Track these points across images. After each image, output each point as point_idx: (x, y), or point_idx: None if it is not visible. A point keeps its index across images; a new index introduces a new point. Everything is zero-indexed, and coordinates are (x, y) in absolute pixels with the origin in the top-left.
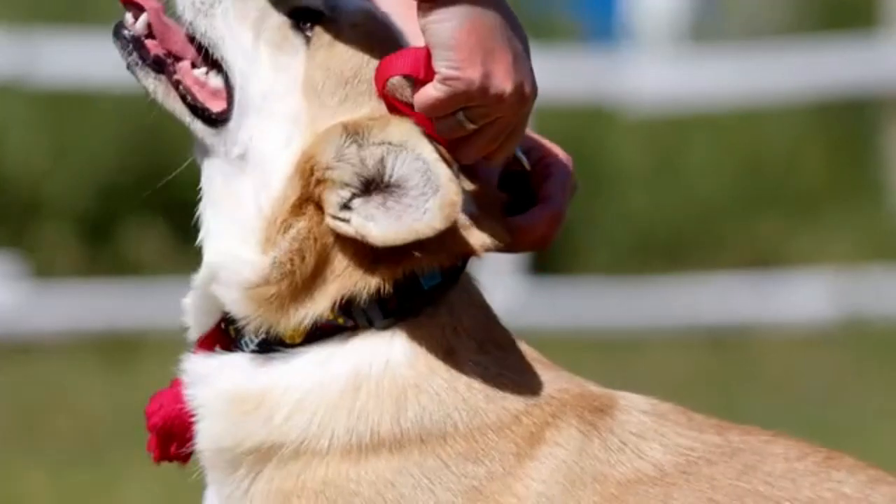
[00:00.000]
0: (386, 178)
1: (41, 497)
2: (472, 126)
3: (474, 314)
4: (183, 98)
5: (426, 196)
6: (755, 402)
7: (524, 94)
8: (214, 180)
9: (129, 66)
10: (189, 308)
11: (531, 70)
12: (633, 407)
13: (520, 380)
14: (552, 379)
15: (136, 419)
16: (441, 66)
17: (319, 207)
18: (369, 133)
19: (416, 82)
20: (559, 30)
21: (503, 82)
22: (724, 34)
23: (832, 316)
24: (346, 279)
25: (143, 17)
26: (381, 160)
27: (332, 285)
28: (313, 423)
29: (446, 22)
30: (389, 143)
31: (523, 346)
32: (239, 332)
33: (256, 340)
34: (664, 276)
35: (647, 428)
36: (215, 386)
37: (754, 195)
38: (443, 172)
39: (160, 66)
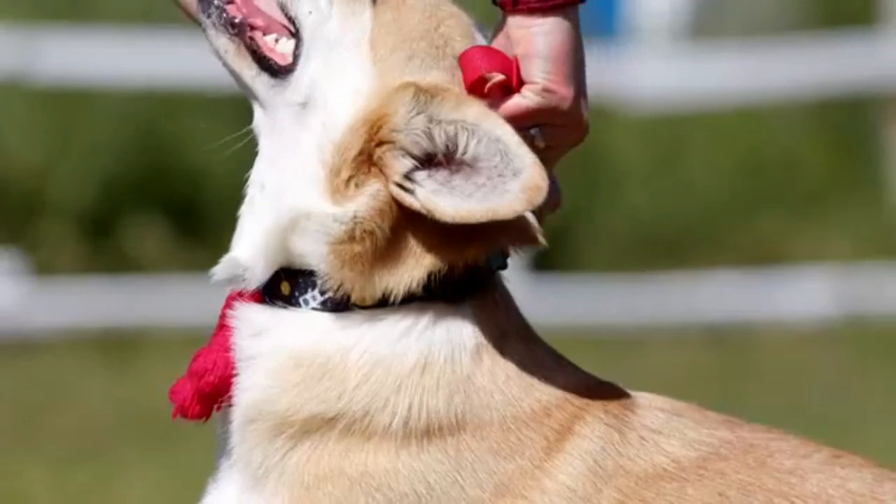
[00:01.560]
0: (458, 156)
1: (42, 494)
2: (541, 144)
3: (512, 304)
4: (252, 53)
5: (504, 178)
6: (756, 399)
7: (588, 125)
8: (274, 137)
9: (203, 25)
10: (246, 256)
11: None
12: (652, 404)
13: (550, 373)
14: (577, 374)
15: (137, 416)
16: (538, 76)
17: (381, 171)
18: (441, 106)
19: (501, 85)
20: None
21: (586, 109)
22: (725, 32)
23: (833, 313)
24: (440, 252)
25: None
26: (454, 137)
27: (426, 257)
28: (379, 397)
29: (551, 34)
30: (463, 122)
31: (547, 344)
32: (298, 288)
33: (321, 298)
34: (665, 274)
35: (665, 424)
36: (278, 340)
37: (755, 192)
38: (527, 155)
39: (237, 27)
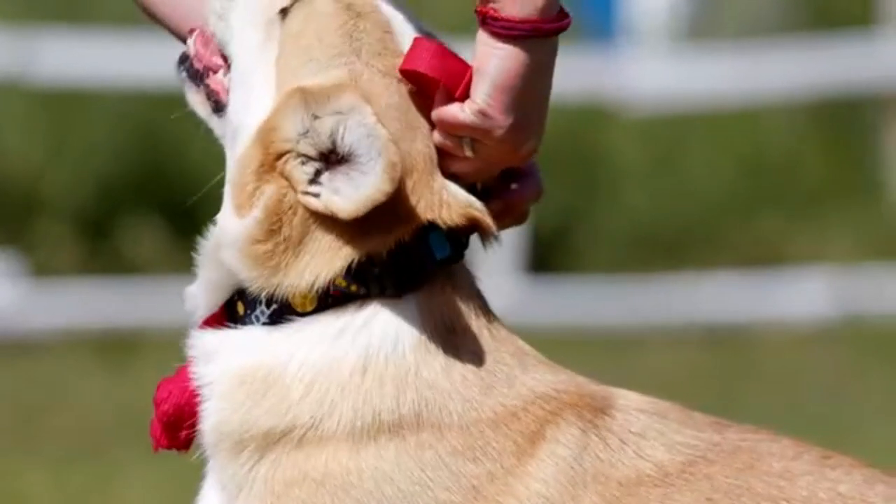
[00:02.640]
0: (340, 149)
1: (41, 495)
2: (470, 154)
3: (474, 298)
4: (208, 95)
5: (374, 161)
6: (754, 400)
7: (529, 154)
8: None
9: (182, 85)
10: (198, 287)
11: (544, 129)
12: (633, 406)
13: (518, 374)
14: (551, 376)
15: (135, 417)
16: (480, 98)
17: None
18: (326, 102)
19: (442, 88)
20: None
21: (522, 141)
22: (723, 32)
23: (831, 314)
24: (358, 242)
25: (191, 39)
26: (334, 130)
27: (343, 248)
28: (324, 405)
29: (505, 60)
30: (339, 112)
31: (519, 343)
32: (249, 306)
33: (268, 312)
34: (663, 275)
35: (647, 427)
36: (224, 362)
37: (753, 193)
38: (382, 134)
39: (199, 76)
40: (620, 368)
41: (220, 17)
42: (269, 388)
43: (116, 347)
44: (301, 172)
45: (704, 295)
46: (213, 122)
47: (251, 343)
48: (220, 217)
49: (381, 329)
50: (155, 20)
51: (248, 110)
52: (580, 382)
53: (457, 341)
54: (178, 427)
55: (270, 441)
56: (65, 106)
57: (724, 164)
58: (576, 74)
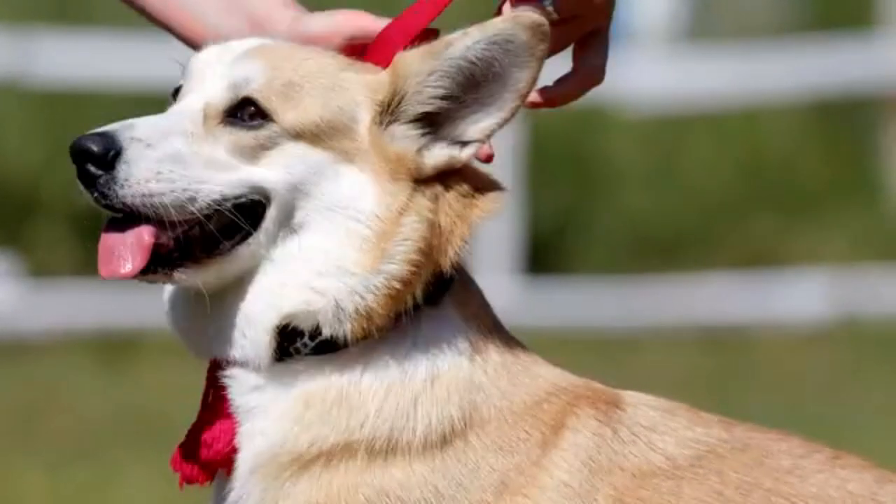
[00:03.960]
0: (478, 65)
1: (38, 496)
2: (554, 17)
3: (480, 298)
4: (204, 256)
5: (515, 57)
6: (752, 401)
7: (610, 11)
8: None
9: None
10: (233, 332)
11: None
12: (642, 402)
13: (534, 368)
14: (559, 373)
15: (132, 417)
16: None
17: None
18: (437, 46)
19: None
20: None
21: None
22: (722, 34)
23: (829, 315)
24: (439, 260)
25: (131, 262)
26: (466, 47)
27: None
28: (400, 417)
29: None
30: (450, 44)
31: (519, 341)
32: (286, 339)
33: (311, 344)
34: (661, 276)
35: (657, 422)
36: (283, 388)
37: (751, 194)
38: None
39: (176, 262)
40: (617, 370)
41: (261, 148)
42: (342, 405)
43: (114, 348)
44: (421, 157)
45: (702, 296)
46: (234, 252)
47: (313, 370)
48: (330, 280)
49: (439, 340)
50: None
51: (337, 180)
52: (586, 380)
53: (488, 341)
54: (223, 466)
55: (328, 458)
56: (63, 107)
57: (723, 165)
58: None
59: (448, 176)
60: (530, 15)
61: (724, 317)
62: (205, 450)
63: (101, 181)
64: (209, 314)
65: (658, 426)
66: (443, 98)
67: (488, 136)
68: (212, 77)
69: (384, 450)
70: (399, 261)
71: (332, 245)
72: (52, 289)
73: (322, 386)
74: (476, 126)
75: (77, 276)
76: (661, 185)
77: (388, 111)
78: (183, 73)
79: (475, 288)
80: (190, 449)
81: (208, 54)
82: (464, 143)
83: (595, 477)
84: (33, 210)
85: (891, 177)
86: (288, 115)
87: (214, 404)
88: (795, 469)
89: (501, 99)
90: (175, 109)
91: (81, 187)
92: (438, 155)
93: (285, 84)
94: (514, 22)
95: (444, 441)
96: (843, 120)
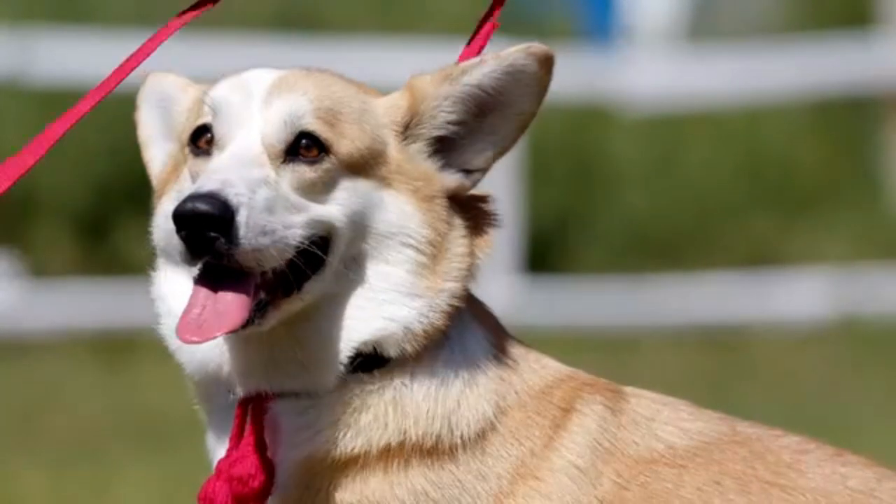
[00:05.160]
0: (490, 89)
1: (38, 496)
2: None
3: (485, 305)
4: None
5: (517, 64)
6: (752, 400)
7: None
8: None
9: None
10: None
11: None
12: (643, 395)
13: (539, 358)
14: (560, 365)
15: (131, 418)
16: None
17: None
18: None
19: None
20: (557, 28)
21: None
22: (722, 33)
23: (829, 315)
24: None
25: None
26: (480, 74)
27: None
28: (445, 419)
29: None
30: (465, 71)
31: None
32: (356, 363)
33: (352, 365)
34: (660, 275)
35: (658, 412)
36: (339, 398)
37: (751, 194)
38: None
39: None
40: (617, 369)
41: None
42: (395, 410)
43: (113, 348)
44: (448, 176)
45: (701, 296)
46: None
47: (366, 379)
48: (394, 311)
49: (469, 344)
50: None
51: (384, 207)
52: (586, 374)
53: (502, 340)
54: (256, 501)
55: (387, 458)
56: (62, 107)
57: (722, 164)
58: (575, 75)
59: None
60: (541, 46)
61: (724, 316)
62: (239, 486)
63: (221, 243)
64: (266, 353)
65: (659, 417)
66: (455, 123)
67: (490, 166)
68: (254, 114)
69: (432, 449)
70: (456, 278)
71: (393, 271)
72: (52, 289)
73: (375, 392)
74: (481, 156)
75: (76, 276)
76: (661, 184)
77: (406, 133)
78: (209, 112)
79: (474, 293)
80: (221, 484)
81: (232, 90)
82: (468, 171)
83: (600, 459)
84: (33, 210)
85: (890, 176)
86: (342, 145)
87: (249, 439)
88: (795, 463)
89: (506, 129)
90: (239, 154)
91: (185, 249)
92: (450, 179)
93: (328, 113)
94: (527, 52)
95: (480, 436)
96: (843, 119)
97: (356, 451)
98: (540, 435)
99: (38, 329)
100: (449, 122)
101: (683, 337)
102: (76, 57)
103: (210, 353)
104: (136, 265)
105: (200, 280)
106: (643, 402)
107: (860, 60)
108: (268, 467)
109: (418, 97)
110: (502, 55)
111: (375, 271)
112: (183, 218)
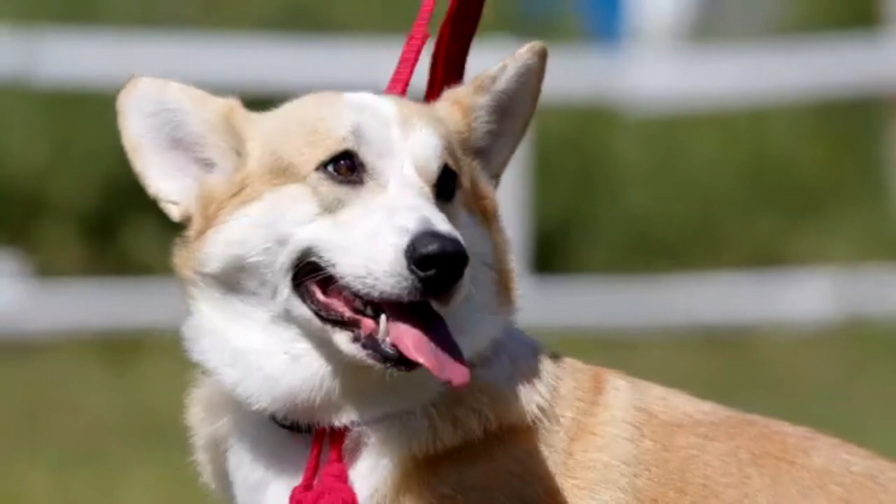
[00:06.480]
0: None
1: (43, 496)
2: None
3: None
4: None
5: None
6: (757, 401)
7: None
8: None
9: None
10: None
11: None
12: (646, 384)
13: (551, 350)
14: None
15: (138, 419)
16: None
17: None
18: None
19: None
20: (563, 29)
21: None
22: (727, 34)
23: (834, 315)
24: None
25: (383, 320)
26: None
27: None
28: (521, 408)
29: None
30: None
31: None
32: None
33: None
34: (665, 276)
35: (669, 392)
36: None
37: (756, 194)
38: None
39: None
40: (621, 369)
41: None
42: (484, 401)
43: (120, 349)
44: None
45: (707, 296)
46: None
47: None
48: (483, 329)
49: (514, 339)
50: None
51: (470, 229)
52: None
53: (524, 334)
54: None
55: (489, 440)
56: (69, 107)
57: (727, 165)
58: (580, 75)
59: None
60: (540, 43)
61: (729, 317)
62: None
63: (458, 285)
64: (363, 381)
65: (671, 395)
66: (489, 132)
67: (504, 169)
68: (397, 144)
69: (520, 427)
70: (516, 296)
71: (481, 293)
72: (58, 289)
73: (479, 388)
74: (501, 160)
75: (83, 277)
76: (666, 184)
77: (465, 150)
78: (349, 139)
79: None
80: None
81: (368, 117)
82: (495, 178)
83: (640, 416)
84: (39, 210)
85: None
86: (463, 176)
87: (335, 468)
88: (801, 446)
89: (518, 130)
90: (414, 189)
91: (419, 287)
92: (491, 189)
93: (450, 146)
94: (531, 51)
95: (543, 409)
96: (848, 120)
97: (454, 443)
98: (584, 396)
99: (44, 329)
100: (485, 132)
101: (688, 337)
102: (82, 57)
103: (302, 385)
104: (144, 266)
105: (423, 322)
106: (654, 387)
107: (865, 61)
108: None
109: (467, 111)
110: (516, 57)
111: (475, 292)
112: (444, 259)
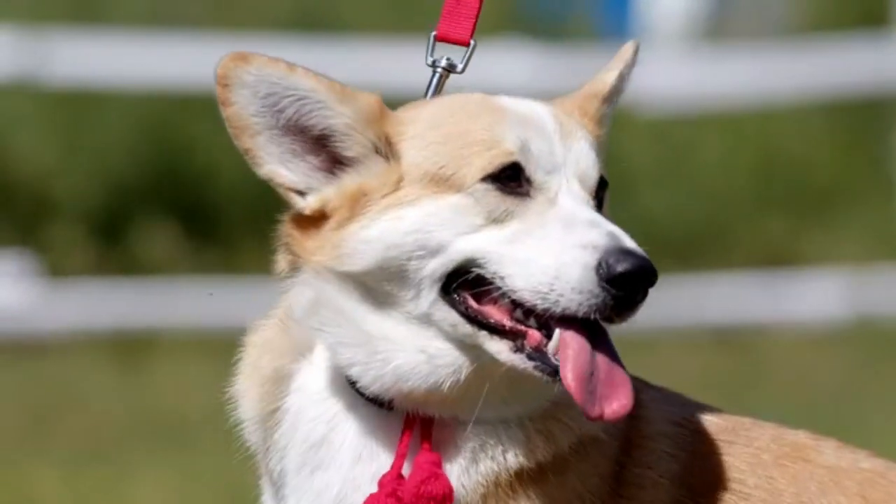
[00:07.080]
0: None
1: (53, 495)
2: None
3: None
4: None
5: None
6: (766, 401)
7: None
8: None
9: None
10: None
11: None
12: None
13: None
14: None
15: (147, 418)
16: None
17: None
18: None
19: None
20: (573, 28)
21: None
22: (738, 34)
23: (844, 315)
24: None
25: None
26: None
27: None
28: None
29: None
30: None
31: None
32: None
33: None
34: (675, 276)
35: (670, 394)
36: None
37: (766, 194)
38: None
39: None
40: (631, 370)
41: None
42: (563, 416)
43: (129, 348)
44: None
45: (716, 296)
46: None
47: None
48: None
49: None
50: None
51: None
52: None
53: None
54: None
55: (579, 453)
56: (78, 107)
57: (738, 165)
58: (591, 75)
59: None
60: (635, 40)
61: (738, 317)
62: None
63: (643, 303)
64: (482, 387)
65: (684, 400)
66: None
67: None
68: (560, 158)
69: (595, 438)
70: None
71: None
72: (68, 289)
73: (548, 403)
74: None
75: (92, 277)
76: (675, 184)
77: None
78: (516, 152)
79: None
80: (389, 500)
81: (532, 130)
82: None
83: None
84: (49, 210)
85: None
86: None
87: (430, 457)
88: (811, 443)
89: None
90: (587, 204)
91: (612, 305)
92: None
93: (599, 156)
94: (633, 51)
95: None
96: (857, 120)
97: (546, 459)
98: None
99: (54, 329)
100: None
101: (698, 337)
102: (90, 58)
103: (429, 382)
104: (153, 266)
105: (592, 341)
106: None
107: (876, 62)
108: (442, 474)
109: (599, 123)
110: (622, 59)
111: None
112: (640, 277)
